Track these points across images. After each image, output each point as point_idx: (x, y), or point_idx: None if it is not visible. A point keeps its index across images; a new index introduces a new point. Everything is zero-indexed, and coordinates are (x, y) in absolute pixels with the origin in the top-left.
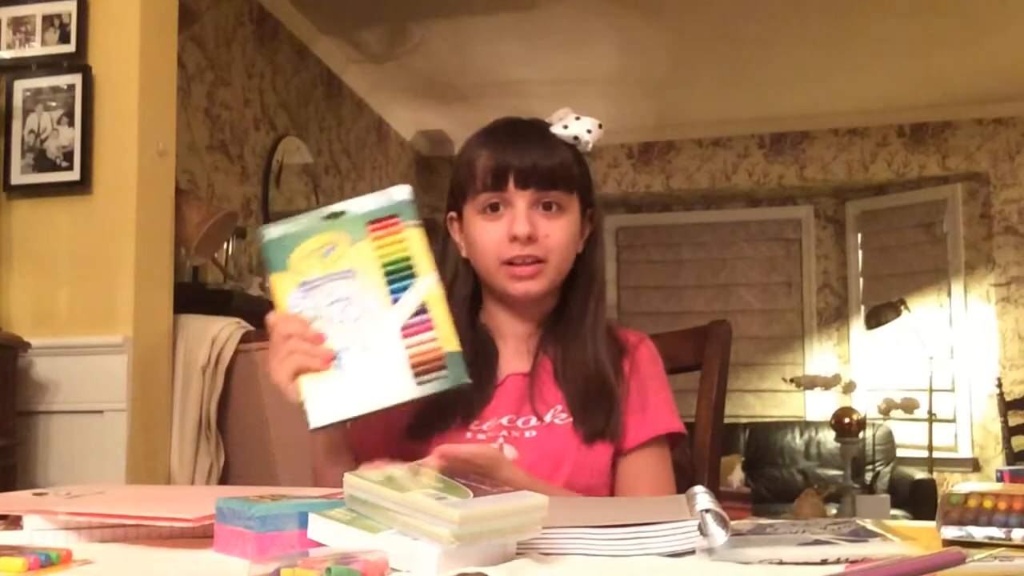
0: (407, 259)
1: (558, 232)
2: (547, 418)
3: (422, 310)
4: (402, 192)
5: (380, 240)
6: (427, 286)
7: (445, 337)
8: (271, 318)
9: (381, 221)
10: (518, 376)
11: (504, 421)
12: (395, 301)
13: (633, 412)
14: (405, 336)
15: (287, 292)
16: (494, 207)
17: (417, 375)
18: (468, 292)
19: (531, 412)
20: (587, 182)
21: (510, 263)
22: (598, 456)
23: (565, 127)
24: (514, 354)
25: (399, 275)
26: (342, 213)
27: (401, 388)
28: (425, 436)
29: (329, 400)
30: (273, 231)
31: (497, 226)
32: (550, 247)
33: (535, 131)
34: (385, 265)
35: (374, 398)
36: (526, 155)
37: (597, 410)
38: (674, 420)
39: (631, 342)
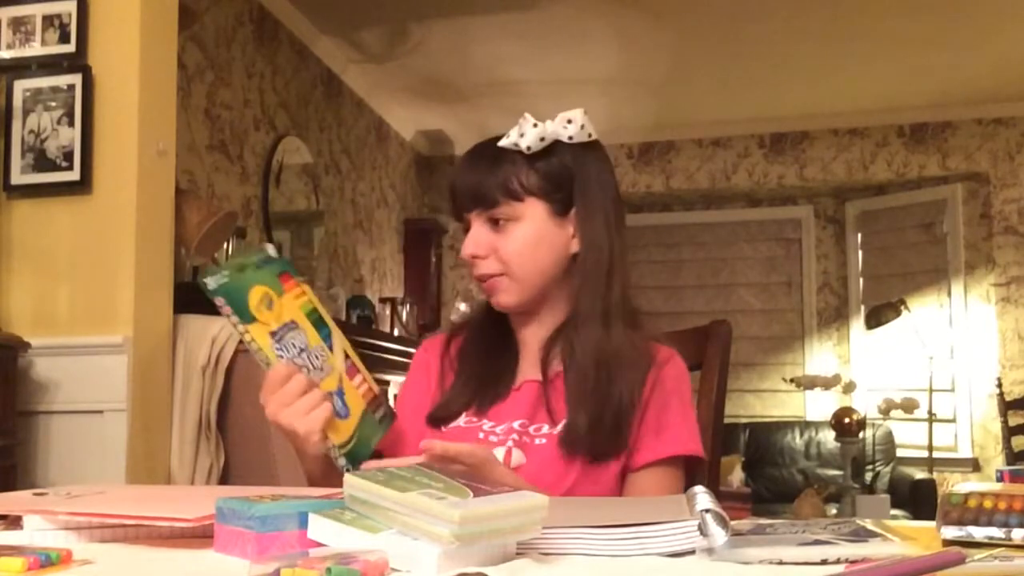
0: (316, 310)
1: (509, 244)
2: (558, 429)
3: (345, 355)
4: (274, 251)
5: (293, 292)
6: (337, 333)
7: (369, 377)
8: (279, 372)
9: (284, 275)
10: (534, 383)
11: (516, 425)
12: (329, 348)
13: (649, 430)
14: (351, 379)
15: (268, 343)
16: (467, 230)
17: (373, 412)
18: (486, 303)
19: (545, 419)
20: (556, 181)
21: (479, 280)
22: (602, 470)
23: (510, 139)
24: (533, 361)
25: (319, 324)
26: (252, 265)
27: (375, 423)
28: (441, 425)
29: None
30: (217, 280)
31: (466, 246)
32: (505, 259)
33: (488, 151)
34: (308, 315)
35: (373, 433)
36: (471, 177)
37: (597, 426)
38: (693, 443)
39: (660, 357)
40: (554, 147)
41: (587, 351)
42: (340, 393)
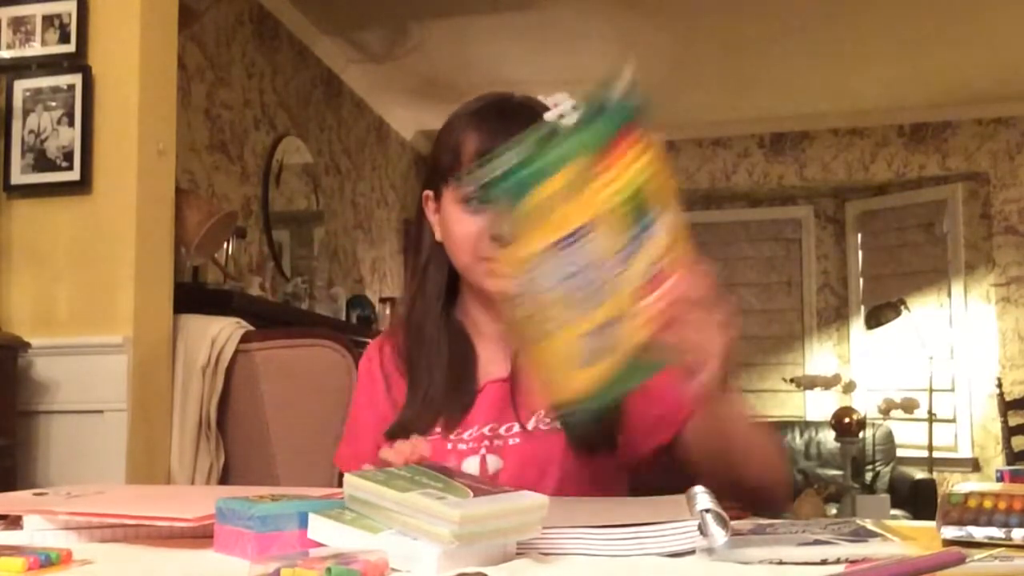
0: (645, 186)
1: None
2: (530, 425)
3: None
4: (623, 84)
5: (616, 166)
6: (670, 216)
7: (683, 280)
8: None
9: (614, 141)
10: (497, 383)
11: (486, 430)
12: (638, 246)
13: (664, 395)
14: (641, 298)
15: (525, 263)
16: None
17: (645, 353)
18: (443, 281)
19: (513, 419)
20: None
21: (489, 259)
22: (597, 466)
23: (561, 117)
24: (492, 357)
25: (641, 210)
26: (557, 136)
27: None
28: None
29: None
30: (501, 167)
31: (477, 220)
32: None
33: (526, 116)
34: (630, 199)
35: (626, 381)
36: (500, 143)
37: (591, 420)
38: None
39: None
40: None
41: None
42: (605, 328)
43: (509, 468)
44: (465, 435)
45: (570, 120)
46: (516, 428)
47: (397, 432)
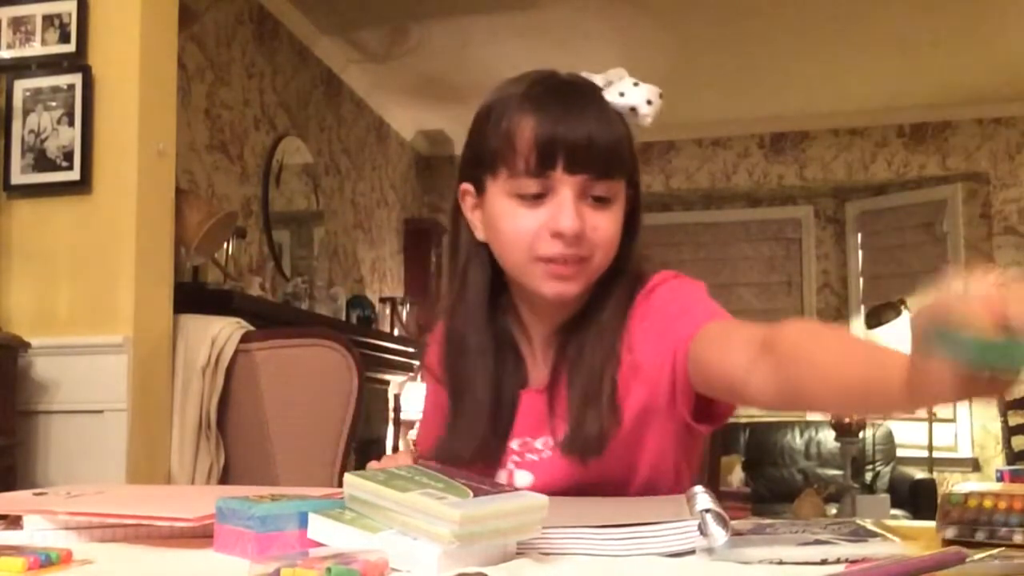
0: None
1: (607, 225)
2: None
3: None
4: None
5: None
6: None
7: None
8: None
9: None
10: (533, 392)
11: (515, 444)
12: None
13: (644, 364)
14: None
15: None
16: (535, 193)
17: None
18: (485, 282)
19: (548, 432)
20: (636, 163)
21: (548, 260)
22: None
23: (621, 94)
24: (534, 363)
25: None
26: None
27: None
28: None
29: None
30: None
31: (535, 215)
32: (597, 243)
33: (590, 98)
34: None
35: None
36: (580, 129)
37: (593, 424)
38: (711, 313)
39: (645, 289)
40: None
41: (603, 348)
42: None
43: (540, 482)
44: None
45: (631, 99)
46: (551, 443)
47: (444, 454)
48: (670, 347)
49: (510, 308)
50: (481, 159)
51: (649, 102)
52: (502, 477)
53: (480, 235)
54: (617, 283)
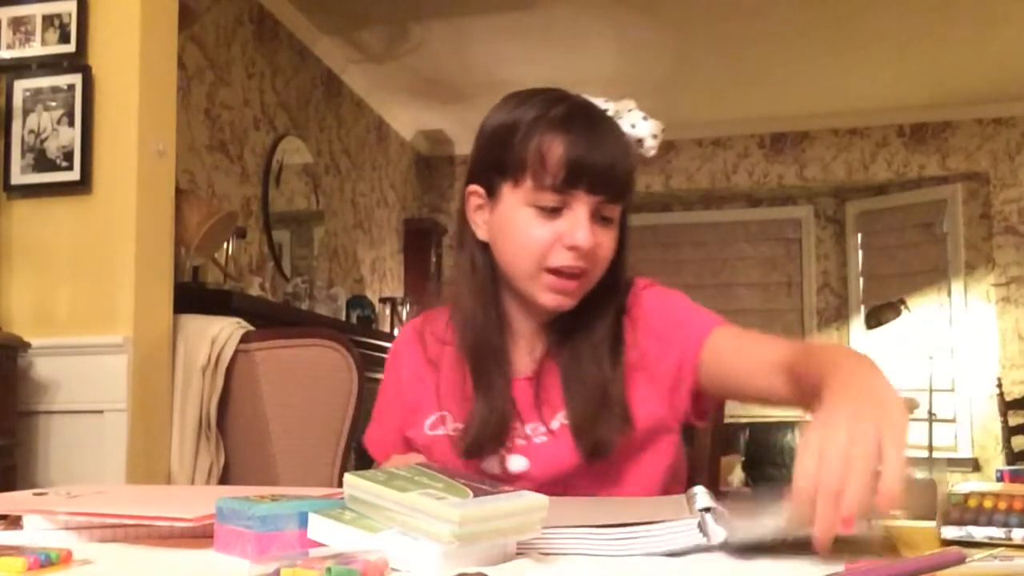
0: None
1: (609, 243)
2: (554, 424)
3: None
4: None
5: None
6: None
7: None
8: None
9: None
10: (522, 381)
11: None
12: None
13: (648, 360)
14: None
15: None
16: (553, 207)
17: None
18: (490, 285)
19: (537, 418)
20: (631, 191)
21: (555, 271)
22: (599, 467)
23: (632, 126)
24: (517, 353)
25: None
26: None
27: None
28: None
29: None
30: None
31: (551, 228)
32: (598, 259)
33: (612, 126)
34: None
35: None
36: (606, 155)
37: (607, 427)
38: (713, 318)
39: (630, 298)
40: None
41: (598, 358)
42: None
43: (537, 467)
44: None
45: (640, 132)
46: (542, 428)
47: (472, 444)
48: (677, 350)
49: (498, 302)
50: (503, 167)
51: (655, 136)
52: (494, 463)
53: (482, 235)
54: (608, 288)
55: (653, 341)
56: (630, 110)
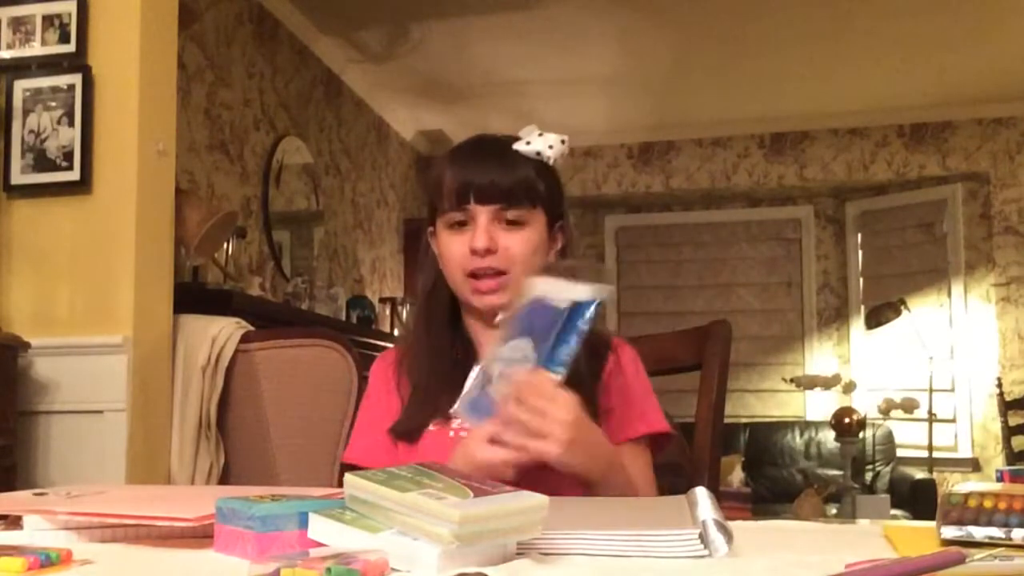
0: None
1: (518, 244)
2: None
3: None
4: None
5: None
6: None
7: None
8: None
9: None
10: None
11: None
12: None
13: (613, 412)
14: None
15: None
16: (461, 223)
17: None
18: (447, 301)
19: None
20: (554, 196)
21: (474, 276)
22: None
23: (528, 143)
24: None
25: None
26: None
27: None
28: (408, 439)
29: None
30: None
31: (461, 240)
32: (511, 259)
33: (497, 149)
34: None
35: None
36: (486, 173)
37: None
38: (660, 421)
39: (614, 343)
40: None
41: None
42: None
43: None
44: (467, 424)
45: (535, 146)
46: None
47: (401, 428)
48: (622, 414)
49: (464, 324)
50: (430, 205)
51: (551, 147)
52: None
53: (441, 265)
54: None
55: (615, 396)
56: (530, 133)
